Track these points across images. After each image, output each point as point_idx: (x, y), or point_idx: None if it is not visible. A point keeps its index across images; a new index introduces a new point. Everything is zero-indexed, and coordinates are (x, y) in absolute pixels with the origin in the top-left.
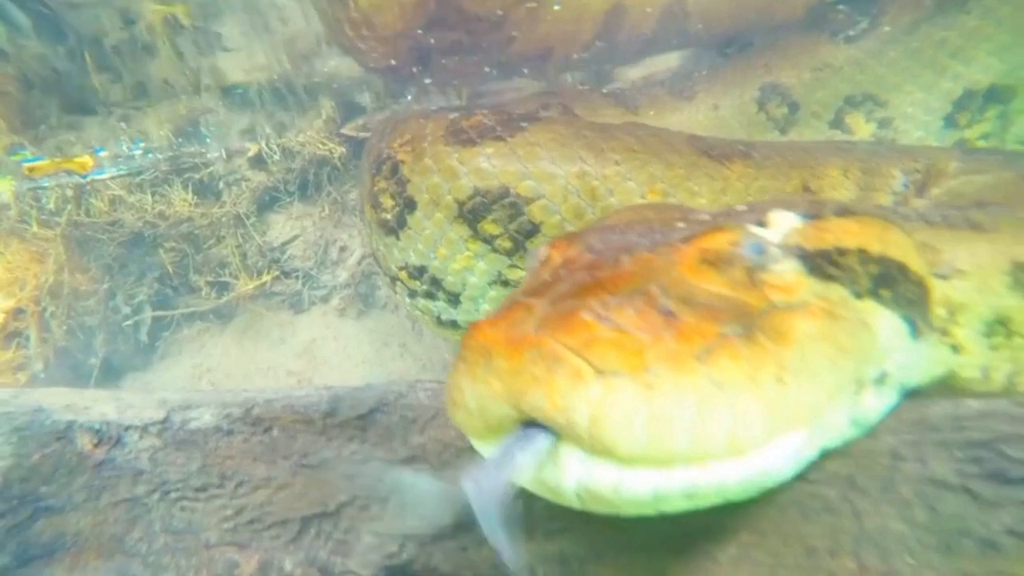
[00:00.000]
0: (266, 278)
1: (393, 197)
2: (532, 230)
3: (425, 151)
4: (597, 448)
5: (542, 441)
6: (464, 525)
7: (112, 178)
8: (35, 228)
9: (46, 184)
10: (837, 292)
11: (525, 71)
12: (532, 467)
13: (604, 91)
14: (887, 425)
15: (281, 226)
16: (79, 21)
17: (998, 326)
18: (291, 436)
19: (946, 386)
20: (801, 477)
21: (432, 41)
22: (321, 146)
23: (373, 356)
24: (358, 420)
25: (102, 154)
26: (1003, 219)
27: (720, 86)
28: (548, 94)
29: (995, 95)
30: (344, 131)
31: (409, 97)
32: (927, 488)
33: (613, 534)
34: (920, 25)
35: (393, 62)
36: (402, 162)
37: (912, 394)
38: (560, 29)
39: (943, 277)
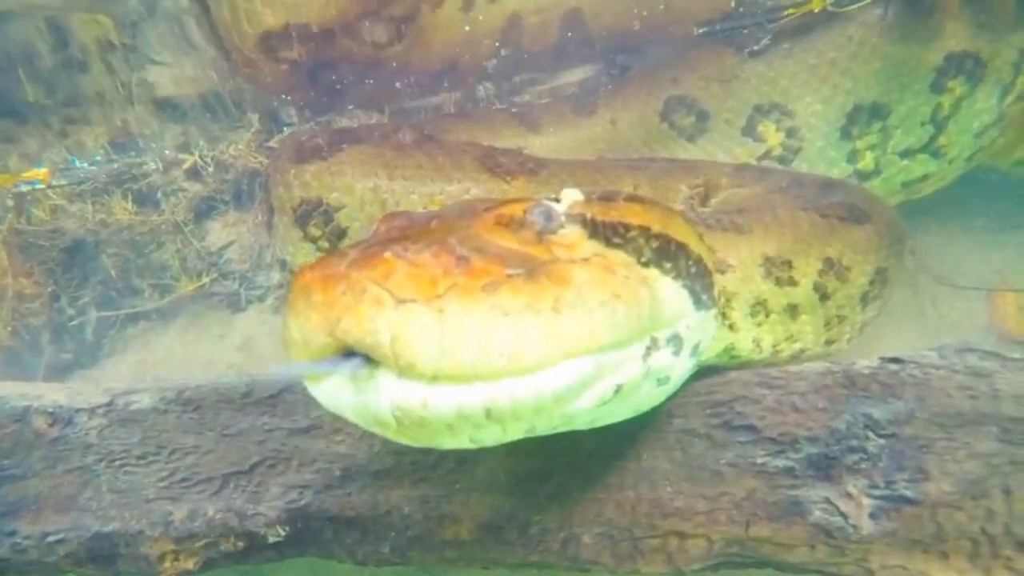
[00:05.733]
0: (205, 280)
1: (265, 204)
2: (342, 233)
3: (278, 167)
4: (402, 364)
5: (354, 362)
6: (349, 478)
7: (65, 186)
8: None
9: None
10: (622, 257)
11: (445, 84)
12: (347, 388)
13: (514, 110)
14: None
15: (218, 232)
16: (8, 34)
17: (758, 307)
18: (215, 413)
19: (732, 357)
20: (602, 433)
21: (333, 77)
22: (252, 159)
23: None
24: (269, 399)
25: (43, 169)
26: (755, 222)
27: (620, 101)
28: (407, 122)
29: (877, 111)
30: (271, 144)
31: (335, 114)
32: (685, 436)
33: (461, 480)
34: (814, 44)
35: (300, 97)
36: (269, 176)
37: (710, 370)
38: (457, 43)
39: (721, 271)
